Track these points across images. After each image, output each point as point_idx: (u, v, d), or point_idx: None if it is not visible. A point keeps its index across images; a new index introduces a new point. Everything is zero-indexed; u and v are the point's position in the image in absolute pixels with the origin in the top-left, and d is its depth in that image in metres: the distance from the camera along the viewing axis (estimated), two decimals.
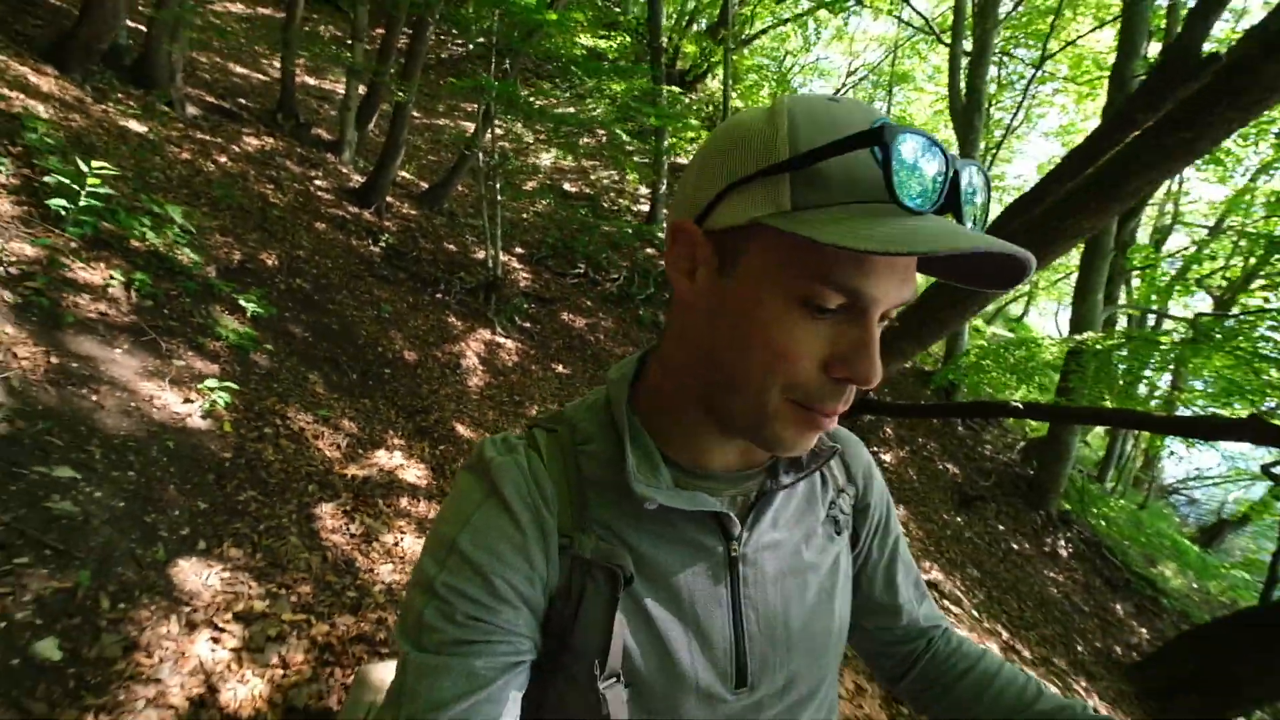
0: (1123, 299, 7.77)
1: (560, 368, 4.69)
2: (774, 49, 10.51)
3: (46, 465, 1.45)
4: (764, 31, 8.11)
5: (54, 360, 1.75)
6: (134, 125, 4.03)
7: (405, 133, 5.21)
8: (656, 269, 6.93)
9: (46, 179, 2.29)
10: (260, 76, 7.04)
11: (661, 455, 0.49)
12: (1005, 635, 3.36)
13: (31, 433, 1.50)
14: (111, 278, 2.22)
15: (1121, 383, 5.10)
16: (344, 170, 5.65)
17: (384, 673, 0.99)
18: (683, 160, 9.24)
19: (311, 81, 7.91)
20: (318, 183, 5.11)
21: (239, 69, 6.95)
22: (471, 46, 8.72)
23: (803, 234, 0.35)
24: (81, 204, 2.16)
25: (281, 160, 5.11)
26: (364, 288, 4.00)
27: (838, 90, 12.95)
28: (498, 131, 5.97)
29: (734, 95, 7.31)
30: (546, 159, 8.80)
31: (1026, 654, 3.34)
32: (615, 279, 6.66)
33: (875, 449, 5.37)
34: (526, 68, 9.49)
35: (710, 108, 8.84)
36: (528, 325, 5.01)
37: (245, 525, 1.75)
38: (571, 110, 9.58)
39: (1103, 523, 5.79)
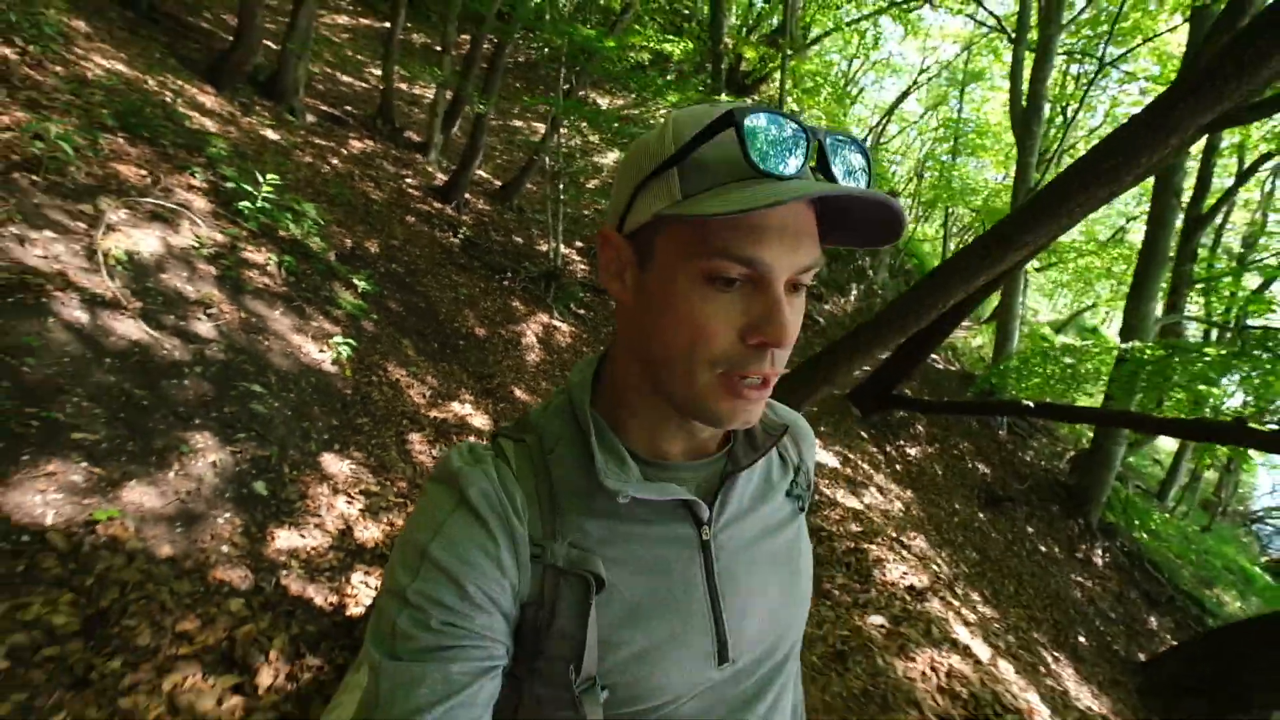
0: (1199, 310, 7.57)
1: None
2: (841, 48, 10.71)
3: (247, 382, 2.21)
4: (822, 37, 8.42)
5: (241, 315, 2.54)
6: (270, 134, 4.99)
7: (484, 138, 6.00)
8: None
9: (228, 184, 3.14)
10: (361, 84, 8.09)
11: (628, 451, 0.52)
12: (979, 603, 3.68)
13: (236, 361, 2.28)
14: (270, 259, 3.04)
15: (1181, 394, 5.07)
16: (430, 169, 6.53)
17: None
18: None
19: (404, 87, 8.95)
20: (408, 181, 5.99)
21: (344, 78, 8.03)
22: (547, 50, 9.52)
23: (687, 213, 0.41)
24: (258, 205, 2.98)
25: (380, 161, 6.03)
26: (445, 273, 4.78)
27: (909, 88, 12.89)
28: (564, 133, 6.69)
29: (790, 99, 7.70)
30: (611, 158, 9.49)
31: (987, 611, 3.65)
32: None
33: (903, 443, 5.68)
34: (593, 79, 10.17)
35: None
36: (581, 312, 5.68)
37: (363, 439, 2.48)
38: (635, 112, 10.23)
39: (1145, 536, 5.81)
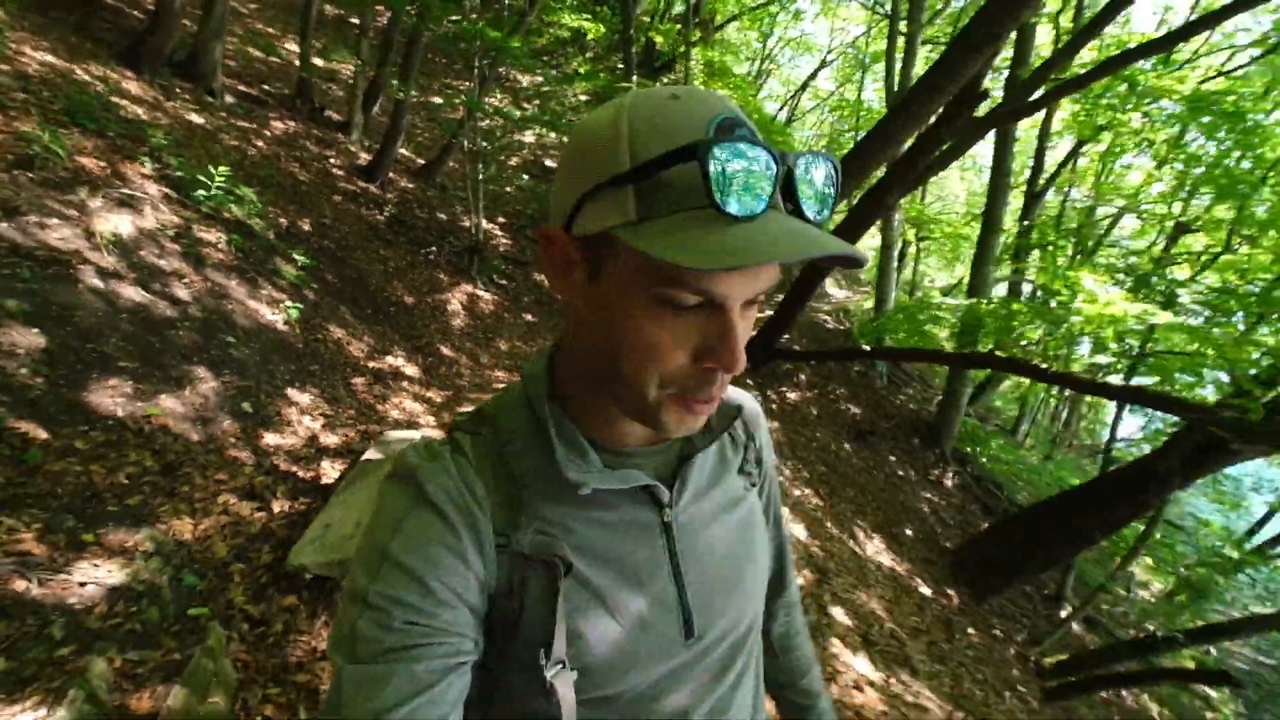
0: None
1: (529, 316, 6.16)
2: (758, 26, 11.65)
3: (222, 335, 2.93)
4: (726, 23, 9.32)
5: (207, 285, 3.23)
6: (195, 118, 5.44)
7: (404, 120, 6.59)
8: None
9: (177, 173, 3.73)
10: (275, 60, 8.36)
11: (587, 440, 0.54)
12: (810, 495, 4.83)
13: (211, 319, 2.98)
14: (220, 238, 3.69)
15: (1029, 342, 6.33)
16: (353, 149, 7.04)
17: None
18: None
19: (318, 62, 9.22)
20: (332, 161, 6.51)
21: (256, 53, 8.27)
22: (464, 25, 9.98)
23: (640, 248, 0.41)
24: (211, 193, 3.61)
25: (303, 142, 6.51)
26: (373, 248, 5.44)
27: (819, 66, 14.04)
28: (482, 116, 7.31)
29: (697, 82, 8.61)
30: (530, 136, 10.12)
31: (816, 501, 4.81)
32: None
33: (784, 389, 6.83)
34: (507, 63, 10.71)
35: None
36: (503, 283, 6.45)
37: (315, 380, 3.24)
38: (551, 87, 10.87)
39: (985, 460, 7.25)
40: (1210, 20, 3.86)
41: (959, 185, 16.70)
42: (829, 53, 14.06)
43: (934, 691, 3.29)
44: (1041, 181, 8.01)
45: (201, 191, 3.56)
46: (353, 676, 0.44)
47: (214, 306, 3.08)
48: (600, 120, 0.46)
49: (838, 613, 3.51)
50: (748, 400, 0.72)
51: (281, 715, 1.45)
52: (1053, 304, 5.90)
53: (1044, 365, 4.87)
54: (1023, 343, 6.21)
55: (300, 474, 2.41)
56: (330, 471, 2.51)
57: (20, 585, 1.46)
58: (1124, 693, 5.69)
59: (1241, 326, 4.53)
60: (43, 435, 1.88)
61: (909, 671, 3.36)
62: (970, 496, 7.25)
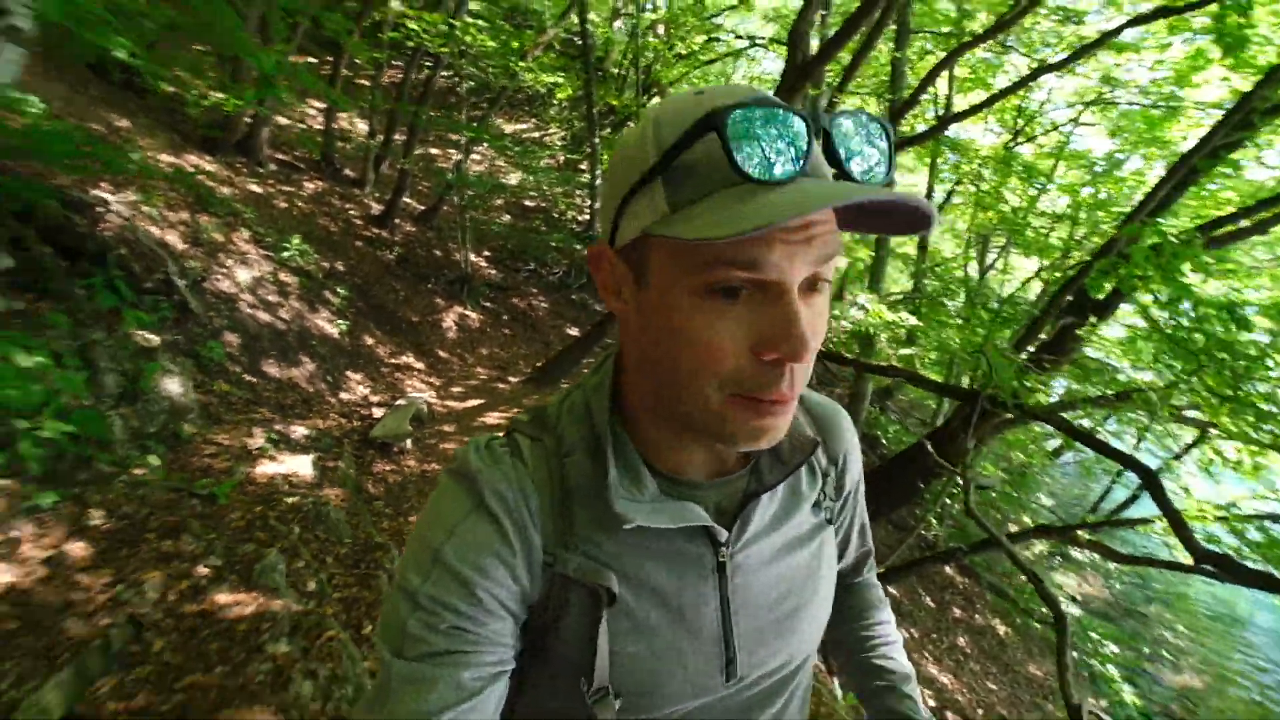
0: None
1: (506, 331, 8.44)
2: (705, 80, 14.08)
3: (309, 340, 5.21)
4: (670, 85, 11.69)
5: (293, 310, 5.52)
6: (253, 188, 7.82)
7: (407, 182, 8.97)
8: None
9: (266, 238, 6.07)
10: (299, 124, 10.82)
11: (646, 464, 0.55)
12: None
13: (302, 331, 5.26)
14: (294, 280, 6.00)
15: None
16: (367, 201, 9.42)
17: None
18: None
19: (334, 126, 11.68)
20: (352, 212, 8.89)
21: (283, 120, 10.74)
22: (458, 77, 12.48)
23: (672, 235, 0.42)
24: (291, 252, 5.95)
25: (329, 199, 8.89)
26: (387, 282, 7.76)
27: None
28: (474, 159, 9.68)
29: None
30: (514, 178, 12.52)
31: None
32: (556, 273, 10.41)
33: None
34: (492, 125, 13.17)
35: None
36: (488, 305, 8.75)
37: (361, 368, 5.51)
38: (536, 135, 13.33)
39: (885, 441, 9.39)
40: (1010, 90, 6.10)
41: None
42: None
43: None
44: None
45: (285, 252, 5.89)
46: (401, 672, 0.49)
47: (300, 324, 5.37)
48: (631, 132, 0.50)
49: None
50: (832, 412, 0.70)
51: (377, 489, 3.66)
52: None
53: (876, 361, 7.06)
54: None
55: (361, 411, 4.64)
56: (377, 412, 4.74)
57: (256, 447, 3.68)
58: (976, 615, 7.79)
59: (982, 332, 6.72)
60: (250, 378, 4.11)
61: None
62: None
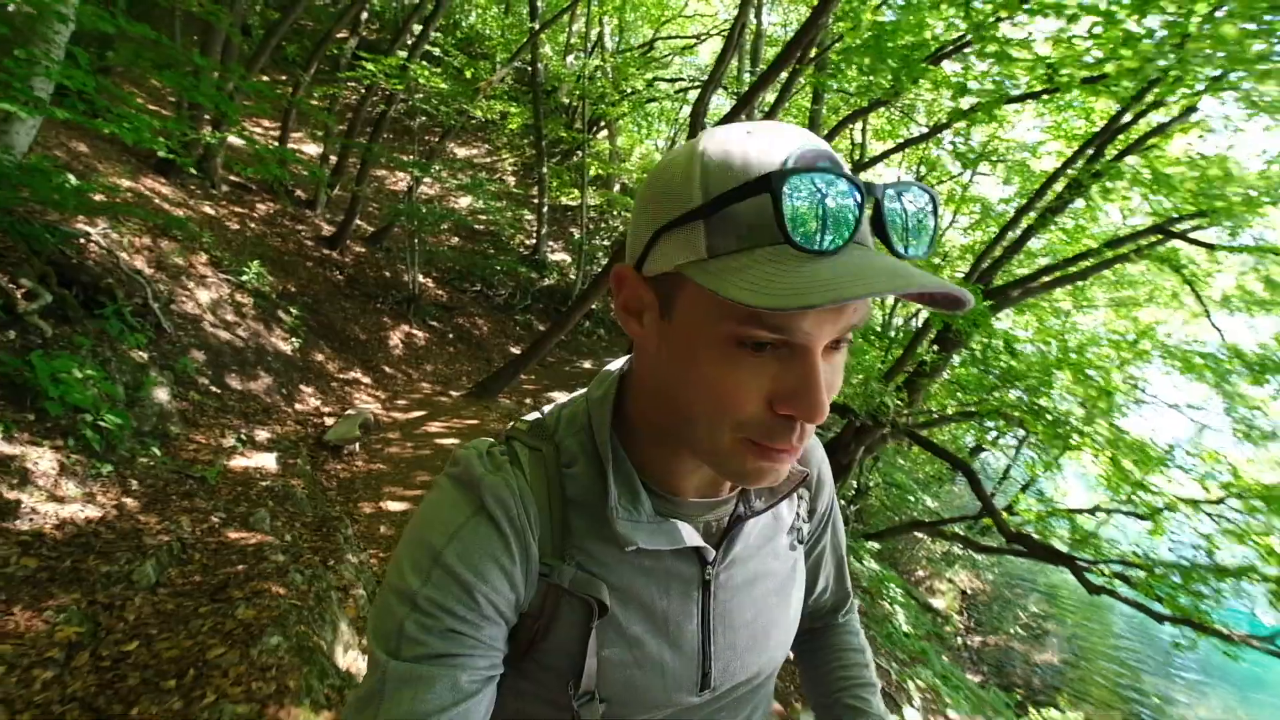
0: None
1: (451, 349, 9.17)
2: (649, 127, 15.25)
3: (266, 356, 5.88)
4: (613, 122, 12.77)
5: (250, 328, 6.18)
6: (208, 209, 8.40)
7: (359, 207, 9.66)
8: (534, 286, 11.49)
9: (224, 262, 6.71)
10: (249, 148, 11.37)
11: (642, 482, 0.59)
12: None
13: (259, 348, 5.93)
14: (250, 300, 6.66)
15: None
16: (318, 222, 10.04)
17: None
18: (567, 201, 13.89)
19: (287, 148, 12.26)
20: (303, 233, 9.51)
21: (236, 141, 11.28)
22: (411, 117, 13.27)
23: (710, 288, 0.43)
24: (252, 276, 6.60)
25: (280, 220, 9.50)
26: (337, 302, 8.42)
27: None
28: (425, 183, 10.41)
29: (590, 171, 12.04)
30: (465, 202, 13.28)
31: None
32: (502, 294, 11.21)
33: None
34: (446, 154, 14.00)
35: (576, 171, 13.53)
36: (435, 324, 9.47)
37: (313, 382, 6.19)
38: (488, 161, 14.16)
39: None
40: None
41: None
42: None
43: None
44: None
45: (244, 275, 6.55)
46: (396, 672, 0.51)
47: (257, 341, 6.03)
48: (674, 160, 0.50)
49: None
50: (812, 448, 0.74)
51: (330, 483, 4.38)
52: None
53: None
54: None
55: (314, 420, 5.34)
56: (329, 420, 5.44)
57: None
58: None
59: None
60: (216, 390, 4.78)
61: None
62: None
